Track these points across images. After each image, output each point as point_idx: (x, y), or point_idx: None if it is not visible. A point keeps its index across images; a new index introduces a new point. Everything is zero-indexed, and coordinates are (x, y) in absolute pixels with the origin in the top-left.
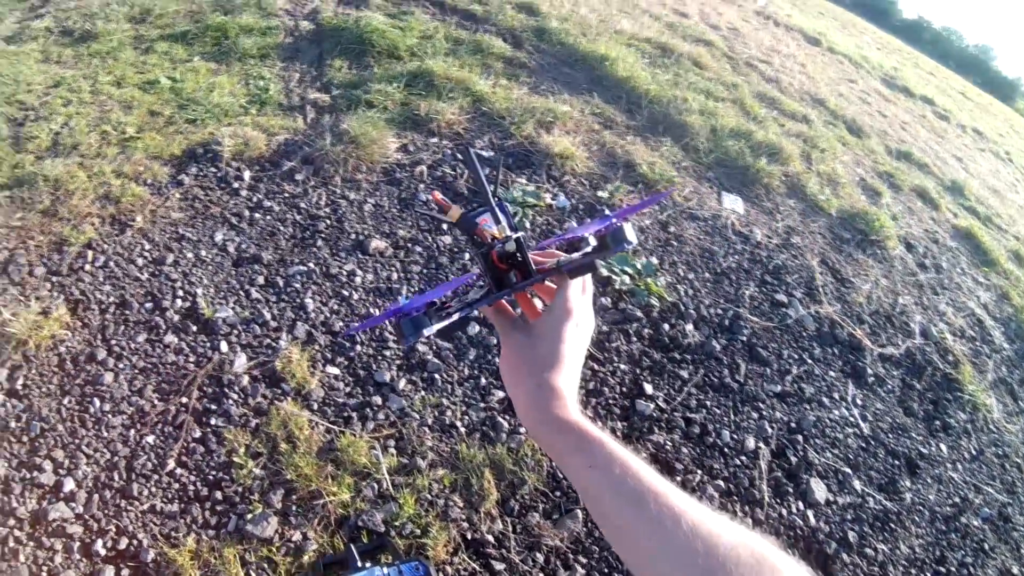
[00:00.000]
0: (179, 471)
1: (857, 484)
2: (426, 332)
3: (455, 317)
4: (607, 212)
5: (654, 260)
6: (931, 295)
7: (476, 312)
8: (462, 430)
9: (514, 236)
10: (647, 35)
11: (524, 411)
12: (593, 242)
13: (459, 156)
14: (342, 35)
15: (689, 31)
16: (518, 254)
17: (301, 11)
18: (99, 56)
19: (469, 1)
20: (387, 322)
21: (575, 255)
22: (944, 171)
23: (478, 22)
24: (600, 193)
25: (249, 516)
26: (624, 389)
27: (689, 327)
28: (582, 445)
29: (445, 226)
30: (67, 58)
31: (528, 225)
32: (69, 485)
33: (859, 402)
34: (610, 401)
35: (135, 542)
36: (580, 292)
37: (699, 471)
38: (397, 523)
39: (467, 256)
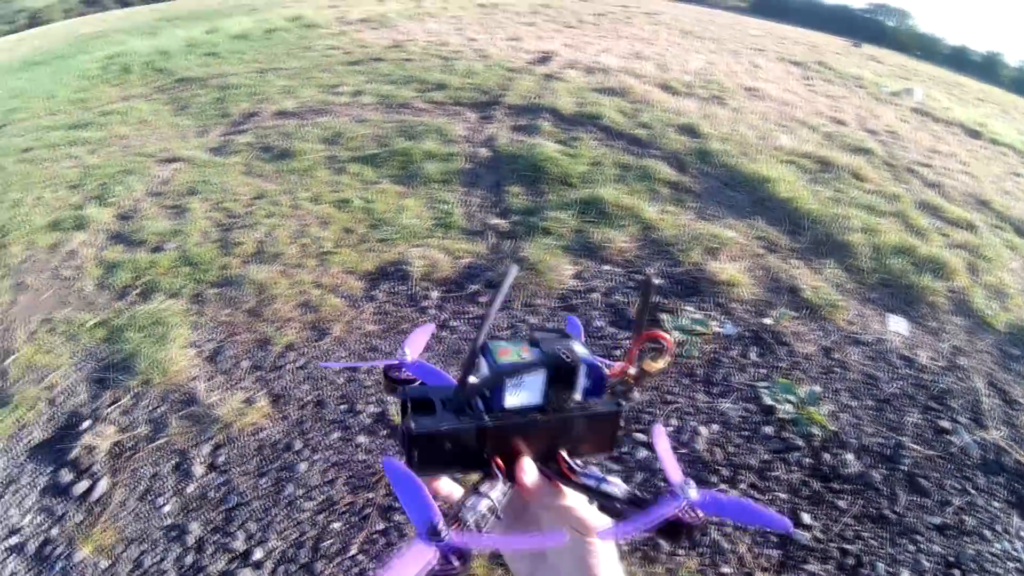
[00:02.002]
0: (360, 556)
1: None
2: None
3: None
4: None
5: (817, 388)
6: None
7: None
8: (624, 547)
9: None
10: (806, 149)
11: None
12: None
13: (630, 284)
14: (517, 162)
15: (847, 140)
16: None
17: (478, 138)
18: (296, 173)
19: (633, 125)
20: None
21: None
22: None
23: (643, 146)
24: (765, 320)
25: None
26: None
27: (849, 456)
28: None
29: None
30: (267, 173)
31: (696, 353)
32: (258, 554)
33: (1023, 535)
34: (767, 529)
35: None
36: None
37: None
38: None
39: None
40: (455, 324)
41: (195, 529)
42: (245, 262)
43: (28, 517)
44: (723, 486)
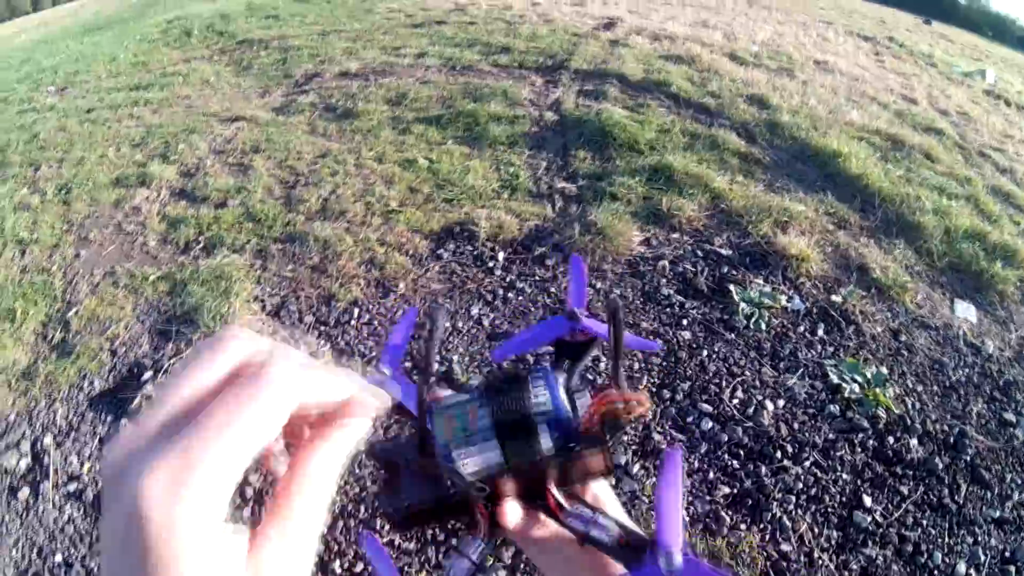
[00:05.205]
0: None
1: None
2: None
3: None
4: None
5: (884, 370)
6: None
7: None
8: (686, 518)
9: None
10: (877, 126)
11: None
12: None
13: (699, 253)
14: (584, 127)
15: (918, 119)
16: None
17: (544, 102)
18: (361, 133)
19: (702, 94)
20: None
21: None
22: None
23: (712, 115)
24: (834, 297)
25: None
26: (844, 499)
27: (914, 442)
28: None
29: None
30: (331, 132)
31: (763, 327)
32: None
33: None
34: (829, 509)
35: (370, 569)
36: None
37: None
38: None
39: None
40: (521, 286)
41: (253, 481)
42: (309, 219)
43: (87, 465)
44: (787, 463)
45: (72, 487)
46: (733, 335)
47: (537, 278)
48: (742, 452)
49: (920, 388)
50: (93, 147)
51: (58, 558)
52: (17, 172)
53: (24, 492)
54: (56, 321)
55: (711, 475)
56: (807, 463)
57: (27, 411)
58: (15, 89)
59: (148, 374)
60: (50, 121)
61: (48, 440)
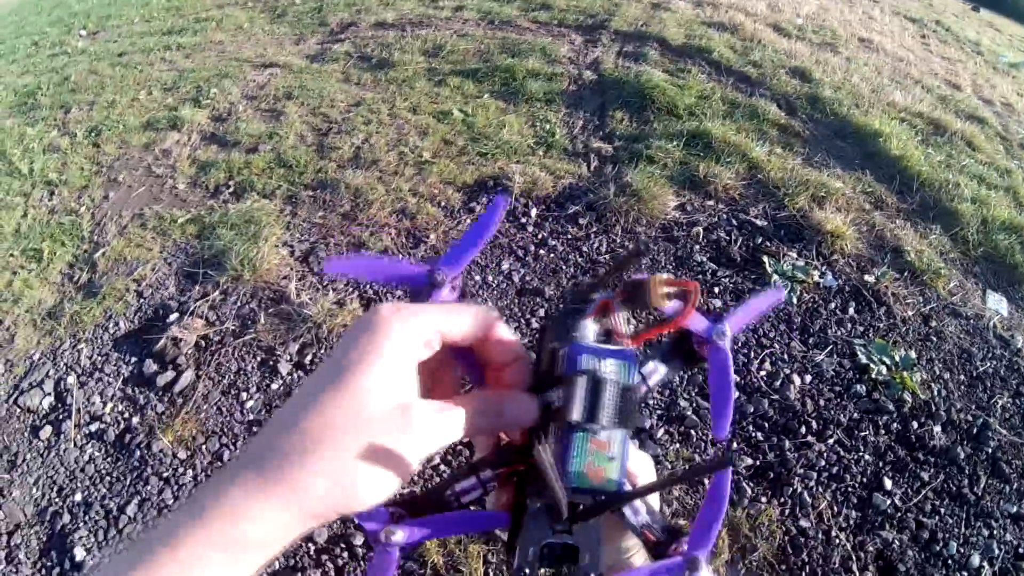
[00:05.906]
0: (442, 467)
1: None
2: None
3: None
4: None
5: (912, 354)
6: None
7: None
8: (707, 487)
9: None
10: (919, 109)
11: None
12: None
13: (733, 222)
14: (623, 88)
15: (962, 106)
16: None
17: (584, 60)
18: (395, 83)
19: (743, 63)
20: None
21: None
22: None
23: (753, 85)
24: (867, 277)
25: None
26: (864, 480)
27: (937, 429)
28: None
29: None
30: (366, 81)
31: (795, 301)
32: None
33: None
34: (849, 488)
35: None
36: None
37: None
38: None
39: None
40: (553, 243)
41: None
42: (341, 167)
43: (110, 405)
44: (811, 439)
45: (94, 427)
46: None
47: (569, 236)
48: (767, 424)
49: (947, 376)
50: (124, 90)
51: (78, 497)
52: (47, 114)
53: (46, 431)
54: (83, 262)
55: (735, 445)
56: (831, 440)
57: (51, 351)
58: (46, 33)
59: (174, 316)
60: (81, 64)
61: (71, 380)
